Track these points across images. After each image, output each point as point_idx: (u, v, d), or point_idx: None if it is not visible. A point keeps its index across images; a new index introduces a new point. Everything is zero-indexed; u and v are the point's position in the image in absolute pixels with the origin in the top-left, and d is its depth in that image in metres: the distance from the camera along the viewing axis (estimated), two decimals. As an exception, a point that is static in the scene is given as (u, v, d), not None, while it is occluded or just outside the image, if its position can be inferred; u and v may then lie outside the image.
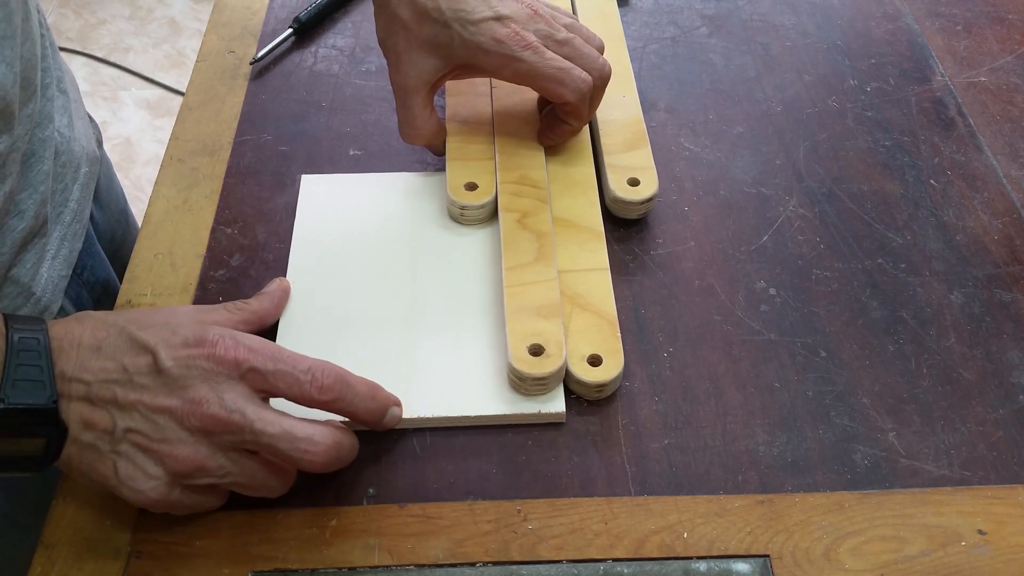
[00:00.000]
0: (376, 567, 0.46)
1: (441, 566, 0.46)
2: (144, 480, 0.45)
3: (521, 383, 0.52)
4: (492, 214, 0.61)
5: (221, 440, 0.45)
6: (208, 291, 0.58)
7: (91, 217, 0.67)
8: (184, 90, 0.77)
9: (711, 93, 0.71)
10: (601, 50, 0.62)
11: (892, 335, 0.56)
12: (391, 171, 0.65)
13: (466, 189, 0.61)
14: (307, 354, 0.51)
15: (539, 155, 0.63)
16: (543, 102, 0.65)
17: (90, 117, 0.69)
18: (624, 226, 0.62)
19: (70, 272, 0.61)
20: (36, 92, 0.56)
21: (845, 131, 0.68)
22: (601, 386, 0.52)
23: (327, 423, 0.48)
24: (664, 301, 0.58)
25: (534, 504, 0.49)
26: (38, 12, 0.59)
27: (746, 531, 0.48)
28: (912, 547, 0.47)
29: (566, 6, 0.74)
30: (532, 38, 0.57)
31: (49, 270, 0.58)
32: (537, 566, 0.46)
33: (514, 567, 0.46)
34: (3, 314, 0.45)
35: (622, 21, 0.77)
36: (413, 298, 0.57)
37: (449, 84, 0.67)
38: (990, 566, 0.46)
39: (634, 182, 0.61)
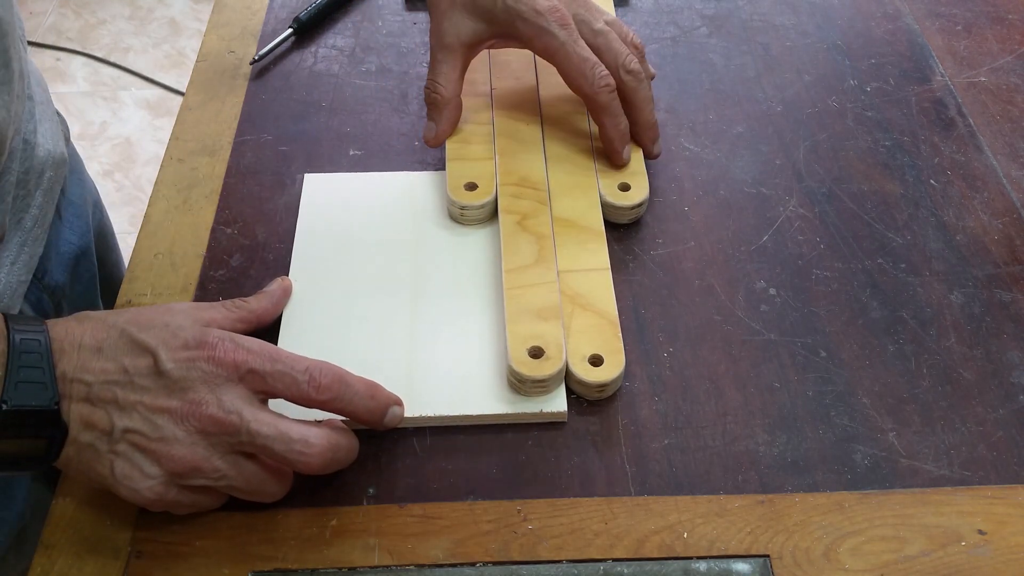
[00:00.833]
0: (376, 567, 0.46)
1: (441, 566, 0.46)
2: (141, 479, 0.45)
3: (521, 385, 0.52)
4: (492, 214, 0.61)
5: (219, 441, 0.45)
6: (208, 291, 0.58)
7: (58, 217, 0.66)
8: (184, 90, 0.76)
9: (711, 93, 0.71)
10: (639, 50, 0.63)
11: (892, 335, 0.56)
12: (391, 171, 0.65)
13: (466, 189, 0.61)
14: (308, 352, 0.51)
15: (539, 156, 0.63)
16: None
17: (58, 113, 0.68)
18: (624, 226, 0.62)
19: (30, 277, 0.60)
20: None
21: (845, 131, 0.68)
22: (602, 386, 0.52)
23: (326, 423, 0.48)
24: (664, 301, 0.58)
25: (534, 504, 0.49)
26: (17, 19, 0.58)
27: (746, 531, 0.48)
28: (912, 547, 0.47)
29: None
30: (570, 19, 0.58)
31: (8, 275, 0.58)
32: (537, 566, 0.46)
33: (514, 567, 0.46)
34: (3, 314, 0.45)
35: (622, 21, 0.77)
36: (414, 297, 0.57)
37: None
38: (990, 566, 0.46)
39: (624, 187, 0.61)
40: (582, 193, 0.61)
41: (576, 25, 0.59)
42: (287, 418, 0.46)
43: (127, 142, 2.01)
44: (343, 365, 0.52)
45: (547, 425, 0.52)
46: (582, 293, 0.56)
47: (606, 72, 0.59)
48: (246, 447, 0.45)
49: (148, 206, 0.63)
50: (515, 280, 0.56)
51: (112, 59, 2.18)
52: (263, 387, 0.46)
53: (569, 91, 0.61)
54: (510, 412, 0.52)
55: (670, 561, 0.47)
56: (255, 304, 0.53)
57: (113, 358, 0.45)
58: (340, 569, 0.46)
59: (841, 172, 0.65)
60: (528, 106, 0.67)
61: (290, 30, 0.75)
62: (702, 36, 0.76)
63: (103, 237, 0.76)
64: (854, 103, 0.70)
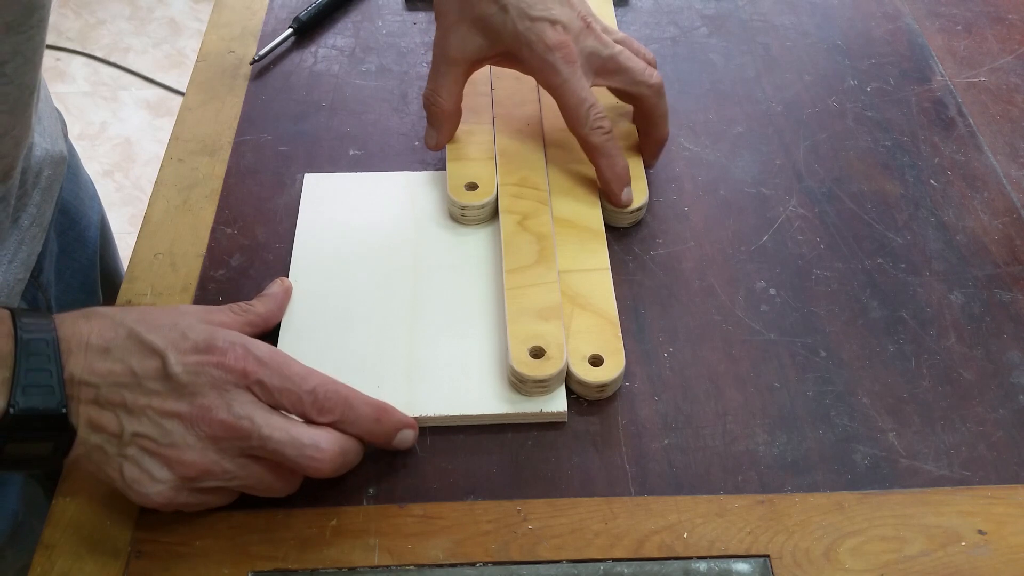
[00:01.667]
0: (376, 567, 0.46)
1: (441, 566, 0.46)
2: (150, 484, 0.45)
3: (522, 385, 0.52)
4: (492, 214, 0.61)
5: (229, 445, 0.45)
6: (208, 291, 0.58)
7: (53, 217, 0.66)
8: (184, 90, 0.76)
9: (711, 93, 0.71)
10: (651, 65, 0.63)
11: (892, 335, 0.56)
12: (391, 171, 0.65)
13: (466, 189, 0.61)
14: (309, 352, 0.51)
15: (539, 156, 0.63)
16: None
17: (56, 110, 0.68)
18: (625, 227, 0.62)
19: (27, 275, 0.60)
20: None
21: (845, 131, 0.68)
22: (602, 386, 0.52)
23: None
24: (664, 301, 0.58)
25: (534, 504, 0.49)
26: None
27: (746, 531, 0.48)
28: (912, 547, 0.47)
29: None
30: (576, 56, 0.58)
31: (5, 274, 0.58)
32: (537, 566, 0.46)
33: (514, 567, 0.46)
34: (10, 309, 0.45)
35: (622, 21, 0.77)
36: (415, 297, 0.57)
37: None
38: (990, 566, 0.46)
39: None
40: (582, 193, 0.61)
41: (586, 59, 0.58)
42: (298, 422, 0.46)
43: (127, 142, 2.01)
44: (343, 365, 0.53)
45: (547, 425, 0.52)
46: (582, 293, 0.56)
47: (601, 115, 0.58)
48: (256, 451, 0.46)
49: (148, 206, 0.63)
50: (516, 280, 0.56)
51: (112, 59, 2.18)
52: (269, 400, 0.46)
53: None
54: (510, 412, 0.52)
55: (670, 561, 0.47)
56: (261, 308, 0.53)
57: (121, 359, 0.45)
58: (340, 569, 0.46)
59: (841, 172, 0.65)
60: (529, 106, 0.67)
61: (290, 30, 0.75)
62: (702, 36, 0.76)
63: (102, 235, 0.76)
64: (854, 103, 0.70)
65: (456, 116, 0.63)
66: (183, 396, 0.45)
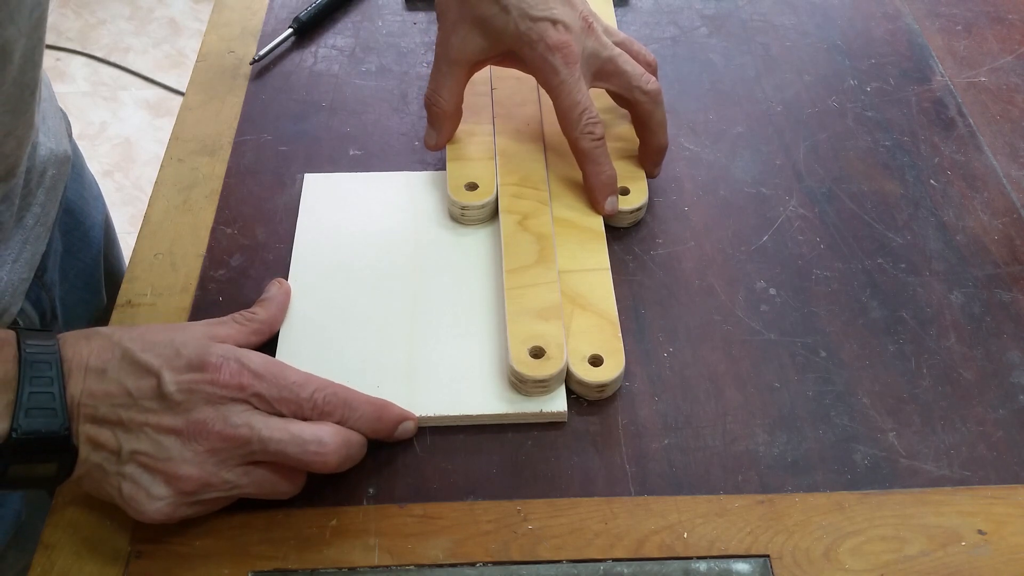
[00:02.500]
0: (376, 567, 0.46)
1: (441, 566, 0.46)
2: (148, 502, 0.45)
3: (522, 385, 0.52)
4: (493, 214, 0.61)
5: (229, 456, 0.45)
6: (208, 291, 0.58)
7: (58, 217, 0.66)
8: (184, 90, 0.76)
9: (711, 93, 0.71)
10: (652, 66, 0.62)
11: (892, 335, 0.56)
12: (391, 171, 0.65)
13: (466, 189, 0.61)
14: (309, 352, 0.51)
15: (540, 156, 0.63)
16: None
17: (60, 110, 0.68)
18: (625, 227, 0.62)
19: (31, 275, 0.60)
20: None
21: (845, 131, 0.68)
22: (602, 386, 0.52)
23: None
24: (664, 301, 0.58)
25: (534, 504, 0.49)
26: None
27: (746, 531, 0.48)
28: (912, 547, 0.47)
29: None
30: (576, 57, 0.58)
31: (10, 273, 0.57)
32: (537, 566, 0.46)
33: (514, 567, 0.46)
34: (16, 330, 0.45)
35: (622, 21, 0.77)
36: (415, 297, 0.57)
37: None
38: (990, 566, 0.47)
39: (624, 191, 0.61)
40: (582, 193, 0.61)
41: (586, 60, 0.58)
42: (297, 421, 0.46)
43: (127, 142, 2.01)
44: (343, 364, 0.53)
45: (547, 425, 0.52)
46: (582, 293, 0.56)
47: (594, 120, 0.58)
48: (259, 456, 0.46)
49: (148, 206, 0.63)
50: (516, 280, 0.56)
51: (112, 59, 2.18)
52: (268, 409, 0.46)
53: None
54: (510, 412, 0.52)
55: (670, 561, 0.47)
56: (264, 314, 0.53)
57: (117, 381, 0.45)
58: (340, 569, 0.46)
59: (841, 172, 0.65)
60: (529, 106, 0.67)
61: (290, 30, 0.75)
62: (702, 36, 0.76)
63: (106, 235, 0.75)
64: (854, 103, 0.70)
65: (456, 117, 0.63)
66: (179, 413, 0.45)
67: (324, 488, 0.49)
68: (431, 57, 0.61)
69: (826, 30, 0.76)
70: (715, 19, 0.77)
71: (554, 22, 0.57)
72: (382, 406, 0.49)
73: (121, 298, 0.58)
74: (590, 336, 0.53)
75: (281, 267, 0.59)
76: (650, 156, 0.62)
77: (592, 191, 0.60)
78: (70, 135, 0.69)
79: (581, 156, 0.59)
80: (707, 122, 0.69)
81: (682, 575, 0.46)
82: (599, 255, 0.58)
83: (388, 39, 0.76)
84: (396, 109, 0.70)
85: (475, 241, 0.60)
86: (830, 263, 0.60)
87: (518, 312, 0.54)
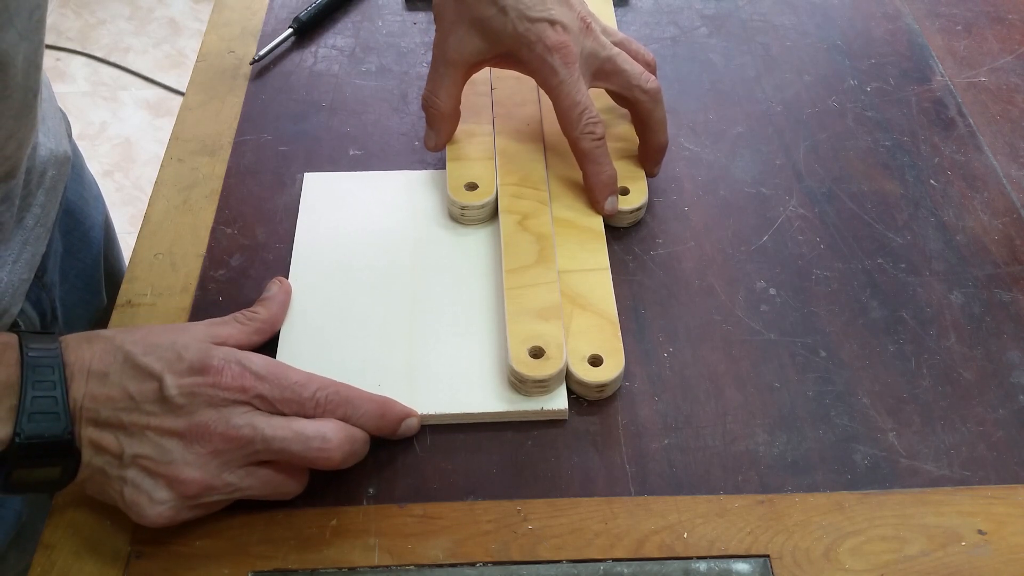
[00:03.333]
0: (376, 567, 0.46)
1: (441, 566, 0.46)
2: (150, 506, 0.45)
3: (522, 385, 0.52)
4: (492, 214, 0.61)
5: (232, 458, 0.45)
6: (208, 291, 0.58)
7: (58, 218, 0.65)
8: (184, 90, 0.76)
9: (711, 93, 0.71)
10: (651, 65, 0.62)
11: (892, 335, 0.56)
12: (391, 171, 0.65)
13: (466, 189, 0.61)
14: (309, 352, 0.51)
15: (539, 156, 0.63)
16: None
17: (60, 110, 0.67)
18: (624, 227, 0.62)
19: (32, 276, 0.60)
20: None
21: (845, 131, 0.68)
22: (602, 386, 0.52)
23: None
24: (664, 301, 0.58)
25: (534, 504, 0.49)
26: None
27: (746, 531, 0.48)
28: (912, 547, 0.47)
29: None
30: (575, 57, 0.58)
31: (10, 274, 0.57)
32: (537, 566, 0.46)
33: (514, 567, 0.46)
34: (19, 333, 0.45)
35: (622, 21, 0.77)
36: (415, 296, 0.57)
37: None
38: (990, 566, 0.46)
39: (624, 191, 0.61)
40: (582, 193, 0.61)
41: (584, 60, 0.58)
42: (299, 419, 0.46)
43: (127, 142, 2.01)
44: (343, 364, 0.53)
45: (547, 425, 0.52)
46: (582, 293, 0.56)
47: (594, 120, 0.58)
48: (262, 455, 0.46)
49: (148, 206, 0.63)
50: (515, 280, 0.56)
51: (112, 59, 2.18)
52: (271, 409, 0.46)
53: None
54: (511, 410, 0.52)
55: (670, 561, 0.47)
56: (265, 313, 0.53)
57: (119, 384, 0.45)
58: (340, 569, 0.46)
59: (841, 172, 0.65)
60: (529, 106, 0.67)
61: (290, 30, 0.75)
62: (702, 36, 0.76)
63: (106, 235, 0.75)
64: (854, 103, 0.70)
65: (455, 118, 0.63)
66: (180, 416, 0.45)
67: (324, 488, 0.49)
68: (431, 58, 0.61)
69: (826, 30, 0.76)
70: (715, 19, 0.77)
71: (552, 23, 0.57)
72: (384, 403, 0.49)
73: (121, 298, 0.58)
74: (590, 336, 0.53)
75: (281, 267, 0.59)
76: (650, 155, 0.62)
77: (592, 191, 0.60)
78: (70, 135, 0.69)
79: (581, 156, 0.59)
80: (707, 122, 0.69)
81: (682, 575, 0.46)
82: (599, 255, 0.58)
83: (388, 39, 0.76)
84: (396, 109, 0.70)
85: (475, 241, 0.60)
86: (830, 263, 0.60)
87: (518, 312, 0.54)
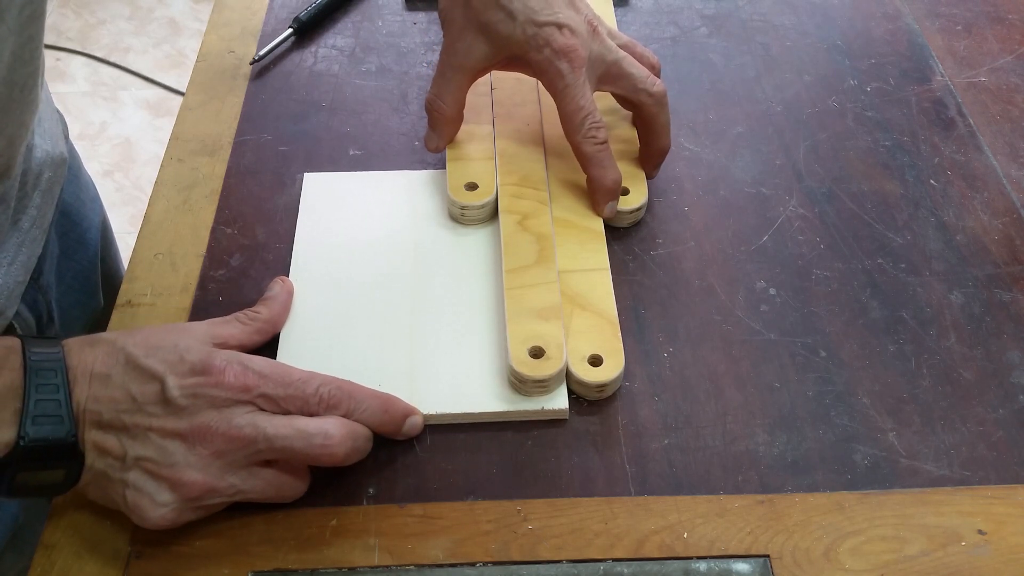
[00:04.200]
0: (376, 567, 0.46)
1: (441, 566, 0.46)
2: (152, 508, 0.45)
3: (522, 385, 0.52)
4: (492, 214, 0.61)
5: (234, 458, 0.45)
6: (208, 291, 0.58)
7: (54, 219, 0.65)
8: (184, 90, 0.76)
9: (711, 93, 0.71)
10: (655, 68, 0.62)
11: (892, 335, 0.56)
12: (391, 171, 0.65)
13: (466, 189, 0.61)
14: (309, 352, 0.51)
15: (539, 156, 0.63)
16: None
17: (57, 111, 0.67)
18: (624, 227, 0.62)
19: (27, 278, 0.60)
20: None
21: (845, 131, 0.68)
22: (602, 386, 0.52)
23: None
24: (664, 301, 0.58)
25: (534, 504, 0.49)
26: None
27: (746, 531, 0.48)
28: (912, 547, 0.47)
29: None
30: (582, 62, 0.58)
31: (5, 276, 0.57)
32: (537, 566, 0.46)
33: (514, 567, 0.46)
34: (21, 337, 0.45)
35: (622, 21, 0.77)
36: (415, 296, 0.57)
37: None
38: (990, 566, 0.46)
39: (624, 191, 0.61)
40: (582, 193, 0.61)
41: (591, 63, 0.58)
42: (301, 417, 0.46)
43: (127, 142, 2.01)
44: (344, 364, 0.53)
45: (547, 425, 0.52)
46: (582, 293, 0.56)
47: (598, 124, 0.58)
48: (265, 455, 0.46)
49: (148, 206, 0.63)
50: (515, 280, 0.56)
51: (112, 59, 2.18)
52: (274, 409, 0.46)
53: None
54: (511, 410, 0.52)
55: (670, 561, 0.47)
56: (267, 312, 0.53)
57: (121, 386, 0.45)
58: (340, 569, 0.46)
59: (841, 172, 0.65)
60: (529, 106, 0.67)
61: (290, 30, 0.75)
62: (702, 36, 0.76)
63: (103, 237, 0.75)
64: (854, 103, 0.70)
65: (458, 121, 0.63)
66: (183, 417, 0.45)
67: (324, 488, 0.49)
68: (431, 57, 0.61)
69: (826, 30, 0.76)
70: (715, 19, 0.77)
71: (560, 26, 0.57)
72: (387, 399, 0.49)
73: (121, 298, 0.58)
74: (590, 336, 0.53)
75: (281, 267, 0.59)
76: (652, 158, 0.62)
77: (594, 194, 0.60)
78: (66, 136, 0.69)
79: (585, 160, 0.59)
80: (707, 122, 0.69)
81: (682, 575, 0.46)
82: (599, 255, 0.58)
83: (388, 39, 0.76)
84: (396, 109, 0.70)
85: (475, 241, 0.60)
86: (830, 263, 0.60)
87: (518, 312, 0.54)
